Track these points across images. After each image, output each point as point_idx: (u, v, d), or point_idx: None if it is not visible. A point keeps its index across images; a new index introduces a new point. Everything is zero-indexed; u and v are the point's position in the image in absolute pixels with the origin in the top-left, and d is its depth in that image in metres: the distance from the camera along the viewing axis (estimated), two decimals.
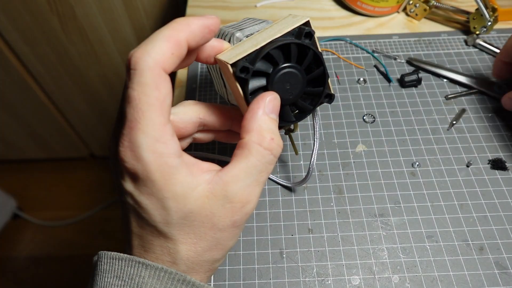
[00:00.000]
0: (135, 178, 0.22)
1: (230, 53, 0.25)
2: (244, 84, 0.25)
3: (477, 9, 0.49)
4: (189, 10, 0.58)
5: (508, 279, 0.33)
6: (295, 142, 0.38)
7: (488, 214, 0.37)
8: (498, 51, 0.49)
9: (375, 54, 0.50)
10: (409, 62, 0.49)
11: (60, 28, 0.86)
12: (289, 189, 0.39)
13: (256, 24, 0.31)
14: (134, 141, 0.21)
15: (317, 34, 0.54)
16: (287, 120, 0.27)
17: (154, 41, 0.21)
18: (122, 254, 0.23)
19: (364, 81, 0.47)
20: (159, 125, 0.21)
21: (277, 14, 0.57)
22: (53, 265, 1.22)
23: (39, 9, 0.81)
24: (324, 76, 0.27)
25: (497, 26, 0.53)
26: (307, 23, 0.26)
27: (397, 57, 0.49)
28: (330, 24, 0.55)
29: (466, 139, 0.42)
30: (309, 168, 0.34)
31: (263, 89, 0.26)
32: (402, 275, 0.33)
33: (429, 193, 0.38)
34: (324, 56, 0.50)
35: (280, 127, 0.27)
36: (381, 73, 0.48)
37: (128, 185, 0.22)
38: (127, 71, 0.21)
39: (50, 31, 0.86)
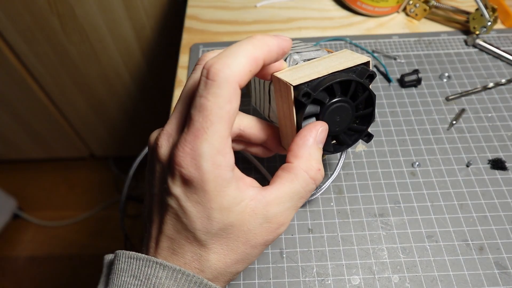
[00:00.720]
0: (188, 184, 0.22)
1: (291, 75, 0.25)
2: (301, 108, 0.25)
3: (477, 9, 0.49)
4: (189, 10, 0.58)
5: (508, 279, 0.33)
6: None
7: (488, 214, 0.37)
8: (498, 51, 0.49)
9: (375, 54, 0.50)
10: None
11: (60, 28, 0.86)
12: None
13: (312, 51, 0.31)
14: (197, 149, 0.21)
15: (317, 34, 0.54)
16: (326, 149, 0.28)
17: (235, 56, 0.21)
18: (140, 254, 0.23)
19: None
20: (223, 138, 0.21)
21: (277, 14, 0.57)
22: (53, 265, 1.22)
23: (39, 9, 0.81)
24: (371, 116, 0.28)
25: (497, 26, 0.53)
26: (367, 63, 0.27)
27: (397, 57, 0.49)
28: (330, 24, 0.55)
29: (466, 139, 0.42)
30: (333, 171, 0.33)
31: (315, 116, 0.26)
32: (402, 275, 0.33)
33: (429, 193, 0.38)
34: None
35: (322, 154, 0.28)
36: (381, 73, 0.48)
37: (177, 190, 0.22)
38: (203, 79, 0.21)
39: (50, 31, 0.86)
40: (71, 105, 1.10)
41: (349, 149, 0.41)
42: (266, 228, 0.24)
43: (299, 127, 0.26)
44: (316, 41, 0.52)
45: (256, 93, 0.34)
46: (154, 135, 0.25)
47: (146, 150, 0.44)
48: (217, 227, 0.23)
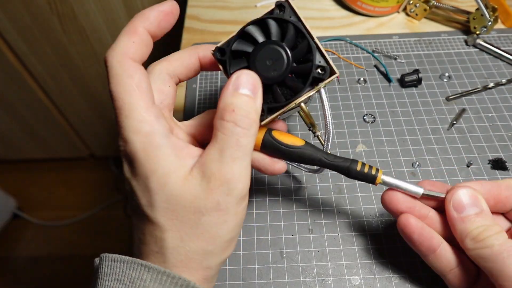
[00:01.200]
0: (127, 161, 0.23)
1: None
2: (224, 66, 0.25)
3: (477, 9, 0.49)
4: (189, 10, 0.58)
5: None
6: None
7: None
8: (498, 51, 0.49)
9: (375, 54, 0.50)
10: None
11: (60, 28, 0.86)
12: (289, 189, 0.39)
13: None
14: (121, 125, 0.23)
15: (317, 34, 0.54)
16: (278, 101, 0.25)
17: (117, 39, 0.24)
18: (124, 256, 0.23)
19: (364, 81, 0.47)
20: (141, 108, 0.22)
21: None
22: (53, 265, 1.22)
23: (39, 9, 0.81)
24: (310, 49, 0.25)
25: (497, 26, 0.53)
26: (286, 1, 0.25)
27: (397, 57, 0.49)
28: (330, 24, 0.55)
29: (466, 139, 0.42)
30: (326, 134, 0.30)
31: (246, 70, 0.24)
32: (403, 275, 0.33)
33: None
34: None
35: (275, 109, 0.26)
36: (381, 73, 0.48)
37: (126, 172, 0.23)
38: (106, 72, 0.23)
39: (50, 31, 0.86)
40: (71, 105, 1.10)
41: (349, 149, 0.41)
42: (208, 188, 0.22)
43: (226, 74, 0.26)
44: None
45: None
46: None
47: None
48: (159, 198, 0.22)
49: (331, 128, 0.29)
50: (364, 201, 0.38)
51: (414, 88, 0.47)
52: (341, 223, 0.37)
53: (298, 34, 0.25)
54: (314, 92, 0.25)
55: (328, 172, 0.40)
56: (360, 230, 0.36)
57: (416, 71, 0.46)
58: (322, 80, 0.25)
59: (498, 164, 0.40)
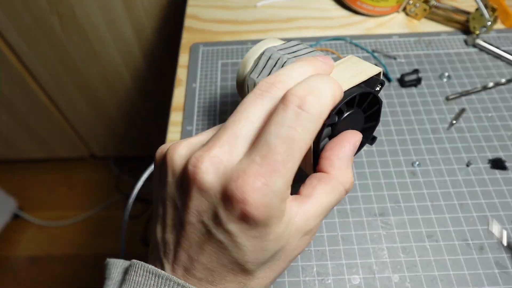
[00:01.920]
0: (249, 222, 0.19)
1: None
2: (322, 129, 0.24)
3: (477, 9, 0.49)
4: (189, 9, 0.58)
5: (508, 278, 0.33)
6: None
7: (488, 214, 0.37)
8: (498, 51, 0.49)
9: (375, 54, 0.50)
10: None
11: (60, 28, 0.86)
12: None
13: (310, 53, 0.31)
14: (272, 185, 0.18)
15: (317, 34, 0.54)
16: None
17: (325, 89, 0.20)
18: (160, 270, 0.21)
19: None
20: (294, 174, 0.20)
21: (277, 14, 0.57)
22: (53, 265, 1.22)
23: (39, 8, 0.81)
24: (377, 121, 0.28)
25: (497, 26, 0.53)
26: (378, 74, 0.26)
27: (397, 56, 0.49)
28: (330, 23, 0.55)
29: (466, 139, 0.42)
30: None
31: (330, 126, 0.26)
32: (402, 274, 0.33)
33: (429, 193, 0.38)
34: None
35: None
36: None
37: (232, 226, 0.19)
38: (294, 109, 0.19)
39: (50, 30, 0.86)
40: (71, 105, 1.10)
41: None
42: (304, 241, 0.22)
43: (315, 144, 0.25)
44: (316, 41, 0.52)
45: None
46: (175, 151, 0.22)
47: (151, 167, 0.43)
48: (269, 255, 0.21)
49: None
50: (364, 200, 0.38)
51: (413, 87, 0.47)
52: (341, 222, 0.37)
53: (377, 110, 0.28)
54: None
55: None
56: (360, 229, 0.36)
57: (416, 71, 0.46)
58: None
59: (497, 164, 0.40)
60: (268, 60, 0.32)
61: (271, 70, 0.32)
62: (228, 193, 0.19)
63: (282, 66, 0.31)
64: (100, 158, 1.42)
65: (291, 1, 0.59)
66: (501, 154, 0.40)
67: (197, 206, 0.20)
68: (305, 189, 0.23)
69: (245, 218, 0.19)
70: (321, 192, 0.22)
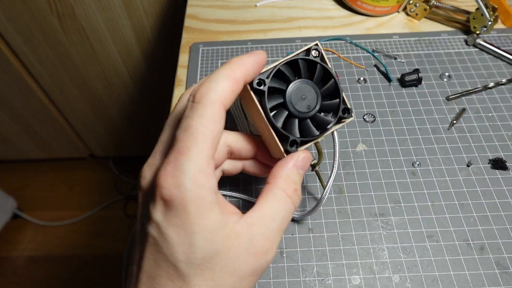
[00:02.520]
0: (169, 206, 0.21)
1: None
2: (261, 96, 0.26)
3: (477, 9, 0.49)
4: (188, 9, 0.58)
5: (508, 278, 0.33)
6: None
7: (489, 214, 0.36)
8: (498, 51, 0.49)
9: (375, 54, 0.50)
10: None
11: (60, 28, 0.86)
12: None
13: None
14: (179, 167, 0.21)
15: (317, 33, 0.54)
16: (311, 134, 0.27)
17: (216, 80, 0.23)
18: None
19: (365, 80, 0.47)
20: (206, 157, 0.21)
21: (277, 14, 0.57)
22: (53, 265, 1.22)
23: (39, 9, 0.81)
24: (338, 88, 0.28)
25: (498, 25, 0.53)
26: (316, 45, 0.28)
27: (397, 56, 0.49)
28: (330, 23, 0.55)
29: (466, 139, 0.42)
30: (320, 197, 0.33)
31: (282, 105, 0.27)
32: (403, 274, 0.33)
33: (430, 193, 0.38)
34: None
35: (306, 142, 0.28)
36: (382, 72, 0.48)
37: (158, 214, 0.21)
38: (189, 104, 0.22)
39: (50, 31, 0.86)
40: (70, 105, 1.10)
41: (349, 149, 0.41)
42: (252, 253, 0.22)
43: (271, 123, 0.26)
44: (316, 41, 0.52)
45: (237, 119, 0.35)
46: (143, 172, 0.24)
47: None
48: (201, 255, 0.21)
49: (335, 170, 0.31)
50: (364, 200, 0.38)
51: (414, 87, 0.46)
52: (341, 222, 0.36)
53: (325, 74, 0.28)
54: (336, 128, 0.29)
55: (328, 171, 0.40)
56: (360, 229, 0.36)
57: (416, 71, 0.46)
58: (344, 119, 0.29)
59: (498, 164, 0.39)
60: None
61: None
62: (152, 185, 0.22)
63: None
64: (100, 158, 1.42)
65: (291, 1, 0.59)
66: (501, 154, 0.40)
67: (140, 209, 0.23)
68: (255, 203, 0.24)
69: (164, 202, 0.21)
70: (264, 200, 0.24)
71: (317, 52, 0.27)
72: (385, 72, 0.48)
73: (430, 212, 0.37)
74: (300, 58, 0.27)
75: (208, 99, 0.22)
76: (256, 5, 0.58)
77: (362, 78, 0.47)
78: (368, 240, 0.35)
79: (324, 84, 0.28)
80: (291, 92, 0.27)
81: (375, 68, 0.49)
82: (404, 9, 0.55)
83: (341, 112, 0.28)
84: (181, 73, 0.50)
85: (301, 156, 0.26)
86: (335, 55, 0.50)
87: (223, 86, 0.22)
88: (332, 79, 0.28)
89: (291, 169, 0.26)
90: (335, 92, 0.28)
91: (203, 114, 0.21)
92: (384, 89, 0.47)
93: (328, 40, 0.52)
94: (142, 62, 0.97)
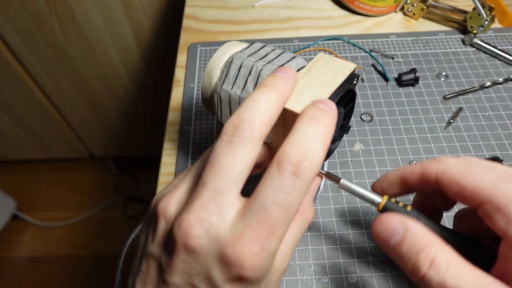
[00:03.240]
0: (245, 283, 0.20)
1: (294, 101, 0.24)
2: None
3: (474, 9, 0.49)
4: (187, 9, 0.58)
5: None
6: None
7: None
8: (495, 50, 0.49)
9: (373, 53, 0.50)
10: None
11: (59, 29, 0.86)
12: None
13: (291, 61, 0.30)
14: (269, 247, 0.19)
15: (315, 33, 0.54)
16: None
17: (315, 147, 0.20)
18: None
19: (362, 80, 0.48)
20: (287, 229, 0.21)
21: (275, 14, 0.57)
22: (53, 265, 1.22)
23: (38, 9, 0.81)
24: (352, 111, 0.29)
25: (494, 25, 0.53)
26: (354, 70, 0.27)
27: (394, 56, 0.50)
28: (328, 23, 0.55)
29: (463, 138, 0.42)
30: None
31: None
32: (400, 273, 0.34)
33: None
34: None
35: None
36: (379, 72, 0.48)
37: (228, 287, 0.20)
38: (288, 176, 0.19)
39: (49, 31, 0.86)
40: (70, 106, 1.11)
41: (347, 148, 0.41)
42: (280, 279, 0.23)
43: None
44: (314, 41, 0.52)
45: (224, 111, 0.33)
46: (165, 211, 0.22)
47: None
48: None
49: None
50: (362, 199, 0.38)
51: (411, 87, 0.47)
52: (338, 221, 0.37)
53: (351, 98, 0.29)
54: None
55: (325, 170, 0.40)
56: (358, 228, 0.36)
57: (414, 70, 0.46)
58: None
59: None
60: (239, 69, 0.30)
61: (246, 80, 0.30)
62: (225, 258, 0.19)
63: (259, 74, 0.29)
64: (99, 159, 1.42)
65: (289, 1, 0.59)
66: (498, 153, 0.40)
67: (187, 268, 0.20)
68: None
69: (241, 280, 0.19)
70: (292, 230, 0.23)
71: (356, 80, 0.28)
72: (383, 71, 0.48)
73: None
74: (349, 90, 0.27)
75: (312, 175, 0.20)
76: (254, 6, 0.58)
77: (359, 78, 0.48)
78: (365, 239, 0.35)
79: (346, 110, 0.29)
80: None
81: (372, 68, 0.49)
82: (402, 8, 0.56)
83: (346, 131, 0.30)
84: (179, 73, 0.50)
85: (319, 181, 0.26)
86: (333, 55, 0.50)
87: (321, 162, 0.20)
88: (352, 103, 0.29)
89: (313, 195, 0.26)
90: (348, 121, 0.29)
91: (304, 192, 0.20)
92: (381, 88, 0.47)
93: (325, 40, 0.52)
94: (141, 63, 0.97)
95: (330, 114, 0.21)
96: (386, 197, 0.25)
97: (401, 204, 0.24)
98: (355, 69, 0.27)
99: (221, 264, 0.19)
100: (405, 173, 0.25)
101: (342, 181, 0.25)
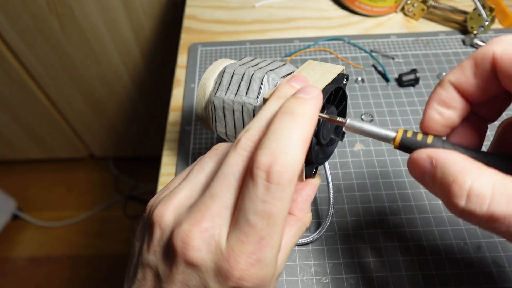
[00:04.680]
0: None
1: None
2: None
3: (474, 9, 0.49)
4: (187, 10, 0.58)
5: (505, 277, 0.33)
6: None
7: None
8: None
9: (373, 54, 0.50)
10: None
11: (59, 29, 0.86)
12: None
13: (282, 66, 0.31)
14: (263, 259, 0.19)
15: (316, 34, 0.54)
16: (320, 159, 0.28)
17: (292, 151, 0.19)
18: None
19: (362, 80, 0.48)
20: (282, 235, 0.20)
21: (275, 14, 0.57)
22: (53, 265, 1.22)
23: (38, 9, 0.81)
24: (345, 110, 0.29)
25: (495, 26, 0.53)
26: (343, 70, 0.28)
27: (395, 56, 0.50)
28: (328, 24, 0.55)
29: None
30: (327, 218, 0.35)
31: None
32: (400, 273, 0.34)
33: (427, 192, 0.38)
34: (322, 56, 0.50)
35: (317, 167, 0.29)
36: (379, 72, 0.48)
37: None
38: (262, 183, 0.18)
39: (49, 31, 0.86)
40: (70, 106, 1.11)
41: (347, 148, 0.42)
42: (276, 280, 0.22)
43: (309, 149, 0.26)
44: (315, 41, 0.52)
45: (228, 122, 0.32)
46: (162, 219, 0.21)
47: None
48: None
49: (332, 203, 0.35)
50: (362, 199, 0.38)
51: (412, 87, 0.47)
52: (338, 221, 0.37)
53: (342, 99, 0.29)
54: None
55: (323, 171, 0.40)
56: (358, 228, 0.36)
57: (414, 71, 0.46)
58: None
59: None
60: (232, 76, 0.31)
61: (239, 85, 0.30)
62: (223, 272, 0.19)
63: (251, 78, 0.30)
64: (99, 159, 1.42)
65: (290, 1, 0.59)
66: None
67: (186, 279, 0.20)
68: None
69: None
70: (289, 235, 0.24)
71: (346, 80, 0.28)
72: (383, 72, 0.48)
73: (427, 211, 0.37)
74: (339, 87, 0.27)
75: (288, 179, 0.18)
76: (254, 6, 0.58)
77: (360, 78, 0.48)
78: (366, 239, 0.35)
79: (338, 110, 0.29)
80: (322, 121, 0.26)
81: (373, 68, 0.49)
82: (402, 9, 0.56)
83: (341, 137, 0.29)
84: (180, 73, 0.50)
85: (317, 183, 0.27)
86: (333, 55, 0.50)
87: (300, 160, 0.18)
88: (344, 102, 0.29)
89: (310, 196, 0.26)
90: (343, 112, 0.29)
91: (283, 197, 0.18)
92: (382, 89, 0.47)
93: (326, 41, 0.52)
94: (141, 63, 0.97)
95: (310, 102, 0.20)
96: (401, 130, 0.22)
97: (419, 136, 0.21)
98: (343, 70, 0.28)
99: (219, 277, 0.19)
100: (458, 78, 0.21)
101: (348, 121, 0.23)
